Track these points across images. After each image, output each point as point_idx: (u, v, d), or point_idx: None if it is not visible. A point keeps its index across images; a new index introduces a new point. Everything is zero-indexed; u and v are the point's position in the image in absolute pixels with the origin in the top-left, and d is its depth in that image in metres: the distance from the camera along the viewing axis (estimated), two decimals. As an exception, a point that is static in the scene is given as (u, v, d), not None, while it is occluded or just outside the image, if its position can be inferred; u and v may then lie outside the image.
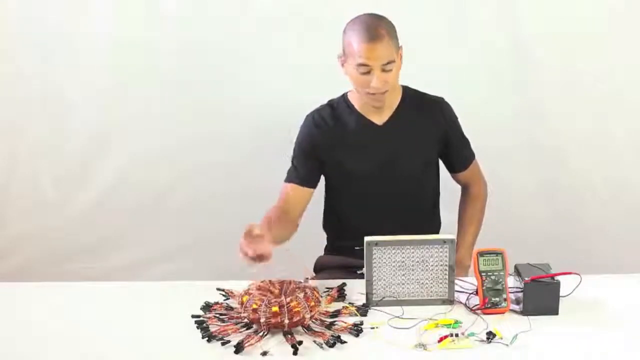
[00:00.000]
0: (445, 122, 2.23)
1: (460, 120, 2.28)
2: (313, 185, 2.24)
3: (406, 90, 2.21)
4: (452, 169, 2.32)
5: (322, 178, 2.28)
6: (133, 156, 2.99)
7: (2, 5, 2.87)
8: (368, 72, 2.01)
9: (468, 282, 1.88)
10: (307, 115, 2.24)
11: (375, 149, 2.16)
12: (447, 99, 2.27)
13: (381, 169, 2.17)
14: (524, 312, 1.75)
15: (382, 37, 1.99)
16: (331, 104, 2.22)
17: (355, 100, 2.19)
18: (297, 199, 2.21)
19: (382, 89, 2.04)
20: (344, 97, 2.22)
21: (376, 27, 2.00)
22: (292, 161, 2.26)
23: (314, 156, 2.20)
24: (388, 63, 2.01)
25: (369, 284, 1.81)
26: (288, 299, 1.68)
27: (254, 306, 1.67)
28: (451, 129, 2.25)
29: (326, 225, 2.34)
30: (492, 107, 2.89)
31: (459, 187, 2.40)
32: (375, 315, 1.76)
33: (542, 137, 2.94)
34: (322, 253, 2.37)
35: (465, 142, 2.31)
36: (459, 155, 2.29)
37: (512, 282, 1.82)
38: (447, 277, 1.81)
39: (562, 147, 2.94)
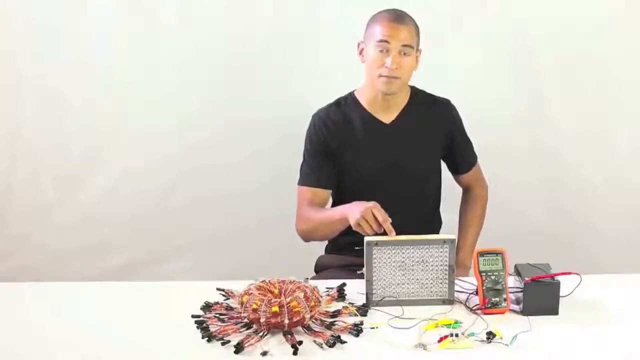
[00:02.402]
0: (451, 123, 2.26)
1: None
2: (330, 185, 2.22)
3: (414, 90, 2.23)
4: (456, 171, 2.34)
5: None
6: (133, 156, 2.99)
7: (2, 5, 2.87)
8: (386, 52, 2.06)
9: (468, 282, 1.88)
10: (314, 115, 2.24)
11: (382, 147, 2.18)
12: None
13: (387, 167, 2.18)
14: (524, 312, 1.75)
15: (406, 22, 2.09)
16: (338, 102, 2.23)
17: (363, 98, 2.20)
18: (318, 200, 2.20)
19: (395, 73, 2.07)
20: (352, 95, 2.23)
21: (403, 15, 2.11)
22: (305, 163, 2.24)
23: (325, 154, 2.20)
24: (406, 46, 2.06)
25: (369, 284, 1.81)
26: (288, 299, 1.68)
27: (254, 306, 1.67)
28: (456, 130, 2.28)
29: None
30: (493, 107, 2.89)
31: (459, 188, 2.40)
32: (375, 315, 1.76)
33: (543, 137, 2.94)
34: (322, 253, 2.37)
35: (469, 144, 2.34)
36: (462, 156, 2.32)
37: (512, 282, 1.82)
38: (447, 277, 1.81)
39: (563, 147, 2.94)
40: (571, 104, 2.90)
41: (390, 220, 1.86)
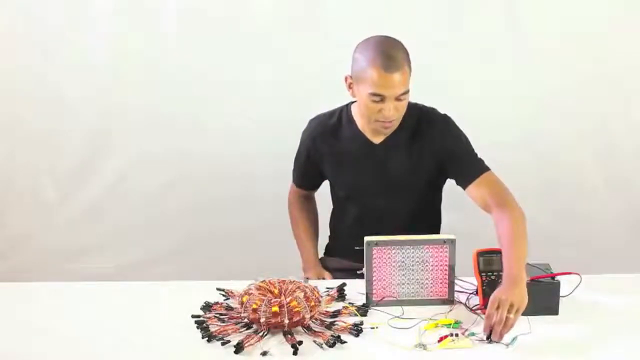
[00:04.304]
0: (445, 140, 2.07)
1: (460, 120, 2.24)
2: (311, 187, 2.31)
3: (407, 108, 2.05)
4: (461, 185, 2.11)
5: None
6: (133, 156, 2.99)
7: (3, 5, 2.88)
8: (381, 101, 1.93)
9: (468, 282, 1.88)
10: (311, 120, 2.22)
11: (370, 166, 2.11)
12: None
13: (375, 186, 2.12)
14: (524, 312, 1.74)
15: (399, 67, 1.89)
16: (333, 113, 2.18)
17: (357, 115, 2.12)
18: (303, 195, 2.33)
19: (394, 118, 1.97)
20: (348, 109, 2.16)
21: (394, 56, 1.90)
22: (294, 163, 2.28)
23: (311, 161, 2.20)
24: (403, 93, 1.93)
25: (369, 284, 1.81)
26: (288, 299, 1.68)
27: (254, 306, 1.67)
28: (451, 144, 2.08)
29: (330, 223, 2.34)
30: (492, 107, 2.89)
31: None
32: (375, 315, 1.76)
33: (543, 136, 2.94)
34: (322, 253, 2.37)
35: (469, 158, 2.09)
36: (462, 167, 2.08)
37: (512, 282, 1.81)
38: (447, 277, 1.81)
39: (563, 148, 2.94)
40: (571, 104, 2.90)
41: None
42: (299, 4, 2.84)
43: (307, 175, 2.27)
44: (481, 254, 1.79)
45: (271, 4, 2.84)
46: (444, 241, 1.80)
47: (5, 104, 2.97)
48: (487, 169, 2.05)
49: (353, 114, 2.13)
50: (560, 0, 2.82)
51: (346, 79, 2.02)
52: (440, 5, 2.81)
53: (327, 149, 2.15)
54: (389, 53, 1.90)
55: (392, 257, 1.80)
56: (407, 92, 1.94)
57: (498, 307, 1.62)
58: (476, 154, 2.10)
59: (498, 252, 1.78)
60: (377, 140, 2.10)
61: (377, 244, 1.79)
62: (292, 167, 2.32)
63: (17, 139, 3.00)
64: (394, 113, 1.95)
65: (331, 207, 2.30)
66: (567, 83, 2.88)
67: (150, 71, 2.91)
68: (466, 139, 2.10)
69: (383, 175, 2.11)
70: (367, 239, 1.80)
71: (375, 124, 2.00)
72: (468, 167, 2.06)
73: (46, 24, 2.88)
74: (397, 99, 1.93)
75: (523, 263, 1.76)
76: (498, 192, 1.99)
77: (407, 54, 1.95)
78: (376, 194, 2.13)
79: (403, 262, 1.81)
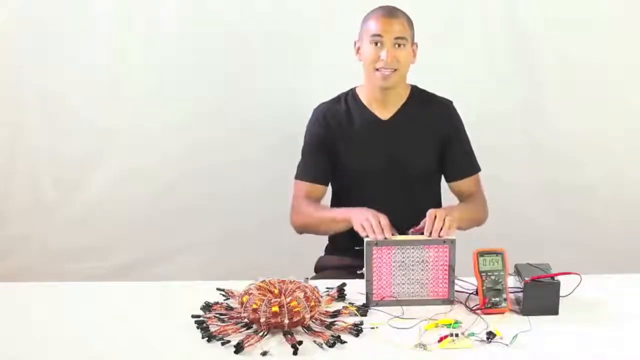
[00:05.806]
0: (450, 125, 2.22)
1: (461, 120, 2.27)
2: (326, 181, 2.23)
3: (414, 89, 2.23)
4: (447, 177, 2.26)
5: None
6: (133, 156, 2.99)
7: (3, 5, 2.87)
8: (380, 45, 2.07)
9: (468, 282, 1.88)
10: (315, 109, 2.26)
11: (378, 144, 2.18)
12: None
13: (383, 165, 2.18)
14: (524, 312, 1.75)
15: (398, 15, 2.11)
16: (338, 98, 2.25)
17: (362, 94, 2.21)
18: (314, 195, 2.21)
19: (391, 65, 2.08)
20: (352, 90, 2.25)
21: (394, 9, 2.14)
22: (303, 158, 2.26)
23: (323, 149, 2.21)
24: (400, 38, 2.08)
25: (369, 284, 1.81)
26: (288, 299, 1.68)
27: (254, 306, 1.67)
28: (454, 132, 2.23)
29: None
30: (492, 107, 2.89)
31: None
32: (375, 315, 1.76)
33: (542, 137, 2.94)
34: (322, 253, 2.37)
35: (466, 151, 2.25)
36: (454, 161, 2.23)
37: (512, 282, 1.82)
38: (447, 277, 1.81)
39: (562, 147, 2.94)
40: (571, 104, 2.90)
41: (395, 235, 1.85)
42: (298, 4, 2.84)
43: (319, 164, 2.21)
44: (481, 254, 1.79)
45: (271, 3, 2.84)
46: (444, 241, 1.80)
47: (5, 105, 2.96)
48: (477, 170, 2.25)
49: (359, 93, 2.22)
50: (560, 0, 2.83)
51: (355, 43, 2.18)
52: (440, 5, 2.82)
53: (337, 131, 2.20)
54: (389, 7, 2.15)
55: (392, 257, 1.80)
56: (404, 38, 2.09)
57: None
58: (472, 151, 2.26)
59: (498, 253, 1.78)
60: (384, 116, 2.18)
61: (377, 243, 1.80)
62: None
63: (17, 139, 3.00)
64: (392, 59, 2.08)
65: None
66: (567, 83, 2.88)
67: (150, 71, 2.91)
68: (465, 131, 2.26)
69: (390, 155, 2.17)
70: (367, 239, 1.80)
71: (376, 74, 2.11)
72: (459, 163, 2.24)
73: (46, 24, 2.88)
74: (396, 44, 2.08)
75: (464, 214, 2.07)
76: (474, 197, 2.23)
77: (409, 18, 2.14)
78: (381, 180, 2.17)
79: (403, 262, 1.81)
